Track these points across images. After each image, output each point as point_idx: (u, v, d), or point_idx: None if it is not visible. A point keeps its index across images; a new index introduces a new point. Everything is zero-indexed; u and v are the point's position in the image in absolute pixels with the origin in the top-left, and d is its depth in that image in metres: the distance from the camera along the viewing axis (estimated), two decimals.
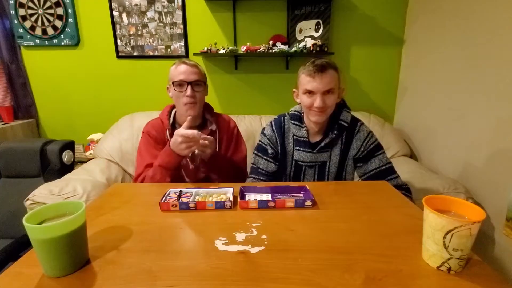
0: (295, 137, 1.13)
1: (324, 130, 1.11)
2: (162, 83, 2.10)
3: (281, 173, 1.19)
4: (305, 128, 1.10)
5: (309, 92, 1.01)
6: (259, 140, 1.20)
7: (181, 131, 0.97)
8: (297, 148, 1.13)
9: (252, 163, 1.20)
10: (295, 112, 1.14)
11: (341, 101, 1.11)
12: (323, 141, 1.09)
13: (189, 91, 1.08)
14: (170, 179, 1.05)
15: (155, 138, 1.18)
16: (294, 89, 1.12)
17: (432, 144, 1.75)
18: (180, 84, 1.09)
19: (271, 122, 1.19)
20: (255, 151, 1.20)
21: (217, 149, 1.18)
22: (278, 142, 1.15)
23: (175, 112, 1.21)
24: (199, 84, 1.11)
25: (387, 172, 1.08)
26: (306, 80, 1.00)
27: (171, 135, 1.12)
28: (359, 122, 1.12)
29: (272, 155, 1.16)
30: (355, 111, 1.47)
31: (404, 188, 1.07)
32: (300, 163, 1.13)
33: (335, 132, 1.07)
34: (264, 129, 1.20)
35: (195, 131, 0.96)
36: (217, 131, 1.19)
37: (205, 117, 1.22)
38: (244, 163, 1.25)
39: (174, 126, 1.19)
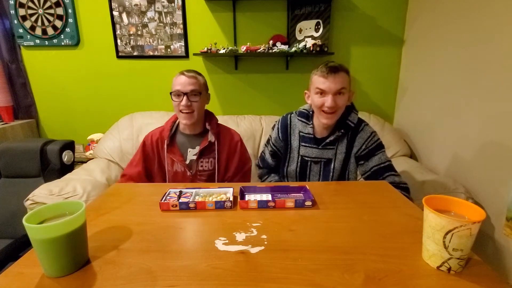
0: (301, 133, 1.19)
1: (331, 129, 1.15)
2: (162, 83, 2.11)
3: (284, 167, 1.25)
4: (311, 125, 1.16)
5: (321, 93, 1.06)
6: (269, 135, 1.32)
7: None
8: (303, 144, 1.18)
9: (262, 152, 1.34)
10: (303, 110, 1.21)
11: (350, 103, 1.16)
12: (328, 138, 1.13)
13: (184, 101, 1.12)
14: None
15: (149, 148, 1.24)
16: (305, 91, 1.17)
17: (432, 144, 1.75)
18: (177, 94, 1.14)
19: (278, 120, 1.27)
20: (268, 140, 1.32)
21: (216, 160, 1.21)
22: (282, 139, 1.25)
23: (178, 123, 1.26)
24: (195, 94, 1.14)
25: (385, 170, 1.11)
26: (319, 80, 1.06)
27: (169, 145, 1.20)
28: (363, 122, 1.17)
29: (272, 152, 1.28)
30: None
31: (402, 187, 1.08)
32: (306, 158, 1.18)
33: (342, 131, 1.12)
34: (273, 126, 1.30)
35: None
36: (216, 143, 1.21)
37: (206, 127, 1.23)
38: (248, 174, 1.29)
39: (175, 133, 1.24)
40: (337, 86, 1.03)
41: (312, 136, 1.16)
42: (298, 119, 1.20)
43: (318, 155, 1.16)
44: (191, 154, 1.21)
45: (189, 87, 1.13)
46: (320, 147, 1.15)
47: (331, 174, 1.16)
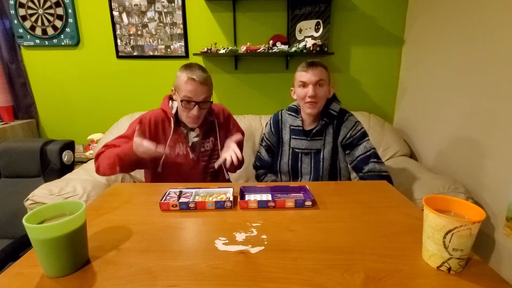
0: (291, 127, 1.28)
1: (317, 120, 1.24)
2: (162, 83, 2.11)
3: (277, 162, 1.33)
4: (300, 118, 1.25)
5: (303, 85, 1.16)
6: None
7: (145, 144, 0.96)
8: (293, 137, 1.28)
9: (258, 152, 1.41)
10: (292, 106, 1.32)
11: (332, 96, 1.25)
12: (315, 128, 1.22)
13: (195, 111, 1.08)
14: (120, 170, 1.03)
15: (146, 127, 1.15)
16: (291, 88, 1.26)
17: (432, 144, 1.75)
18: (188, 101, 1.07)
19: (270, 118, 1.37)
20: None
21: (217, 135, 1.24)
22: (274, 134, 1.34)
23: (177, 107, 1.18)
24: (206, 102, 1.11)
25: (369, 157, 1.19)
26: (301, 74, 1.17)
27: (175, 123, 1.14)
28: (347, 113, 1.25)
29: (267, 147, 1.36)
30: (355, 111, 1.49)
31: (383, 175, 1.13)
32: (297, 150, 1.27)
33: (325, 119, 1.21)
34: (266, 124, 1.39)
35: (152, 148, 0.96)
36: (215, 121, 1.25)
37: None
38: (242, 141, 1.29)
39: (176, 116, 1.17)
40: (316, 77, 1.14)
41: (301, 128, 1.25)
42: (288, 113, 1.30)
43: (308, 146, 1.24)
44: (192, 136, 1.21)
45: (202, 95, 1.07)
46: (309, 138, 1.24)
47: (321, 164, 1.23)
